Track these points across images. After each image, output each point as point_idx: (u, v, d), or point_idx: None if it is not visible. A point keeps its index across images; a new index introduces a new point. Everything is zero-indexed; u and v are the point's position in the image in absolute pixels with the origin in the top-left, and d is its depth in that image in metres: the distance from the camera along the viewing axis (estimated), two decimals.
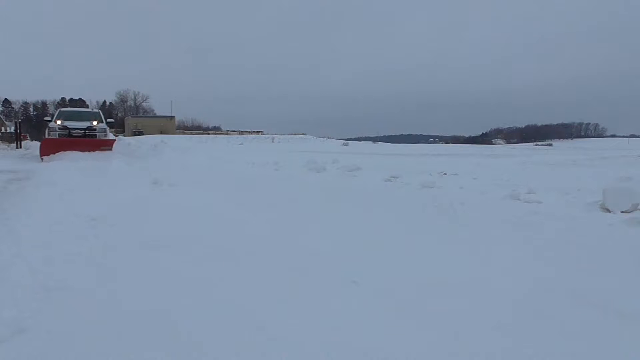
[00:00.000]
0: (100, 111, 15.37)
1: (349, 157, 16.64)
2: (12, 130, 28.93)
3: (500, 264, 3.02)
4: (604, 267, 3.02)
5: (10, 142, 21.89)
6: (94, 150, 11.92)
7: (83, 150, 11.86)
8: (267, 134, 71.25)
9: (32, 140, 22.98)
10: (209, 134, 67.24)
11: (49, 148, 12.06)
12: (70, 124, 13.23)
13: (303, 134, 70.98)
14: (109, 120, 14.94)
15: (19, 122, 23.86)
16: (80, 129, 13.16)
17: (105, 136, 13.40)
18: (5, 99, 78.46)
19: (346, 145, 45.68)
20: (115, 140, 12.96)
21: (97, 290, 2.31)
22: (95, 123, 13.54)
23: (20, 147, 18.20)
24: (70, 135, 13.02)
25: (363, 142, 65.50)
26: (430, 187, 7.39)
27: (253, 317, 2.05)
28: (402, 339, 1.89)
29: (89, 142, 12.43)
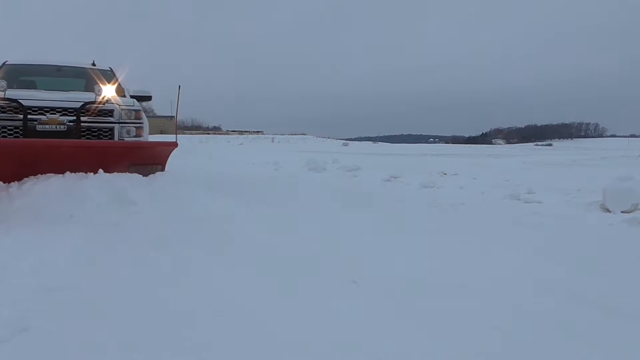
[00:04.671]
0: (112, 69, 6.30)
1: (349, 157, 16.63)
2: None
3: (499, 264, 3.02)
4: (604, 267, 3.02)
5: None
6: (109, 172, 4.20)
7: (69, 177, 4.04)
8: (267, 134, 71.29)
9: None
10: (209, 133, 67.25)
11: None
12: (31, 96, 4.57)
13: (303, 134, 71.00)
14: (138, 92, 5.86)
15: None
16: (65, 111, 4.58)
17: (137, 133, 4.99)
18: None
19: (346, 145, 45.66)
20: (174, 146, 4.71)
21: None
22: (105, 94, 4.82)
23: None
24: (28, 130, 4.38)
25: (363, 142, 65.50)
26: (430, 187, 7.39)
27: (253, 317, 2.04)
28: (403, 339, 1.89)
29: (88, 148, 4.31)
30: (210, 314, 2.06)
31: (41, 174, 4.05)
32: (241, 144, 40.58)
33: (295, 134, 69.79)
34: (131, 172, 4.41)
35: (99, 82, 5.31)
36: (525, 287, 2.55)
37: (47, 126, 4.51)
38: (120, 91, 5.28)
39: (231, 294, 2.32)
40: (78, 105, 4.63)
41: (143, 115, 5.22)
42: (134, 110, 5.06)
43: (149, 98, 6.05)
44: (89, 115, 4.71)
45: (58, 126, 4.56)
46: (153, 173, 4.66)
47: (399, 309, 2.20)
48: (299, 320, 2.03)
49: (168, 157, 4.84)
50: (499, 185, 7.61)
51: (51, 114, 4.53)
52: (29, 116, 4.41)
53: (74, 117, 4.60)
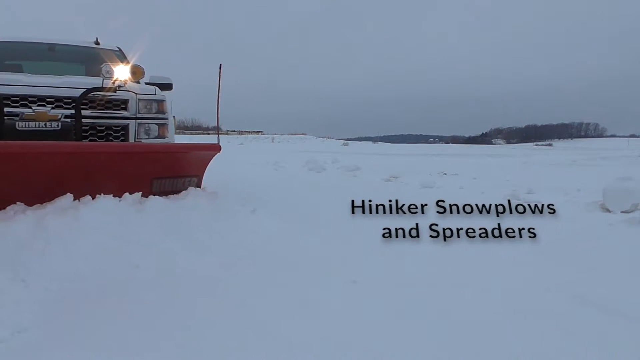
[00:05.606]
0: (121, 50, 5.01)
1: (348, 157, 16.63)
2: None
3: (499, 263, 3.02)
4: (604, 267, 3.01)
5: None
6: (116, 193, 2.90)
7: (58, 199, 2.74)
8: (267, 134, 71.40)
9: None
10: (209, 133, 67.24)
11: None
12: (10, 80, 3.30)
13: (303, 134, 71.08)
14: (155, 79, 4.41)
15: None
16: (59, 101, 3.33)
17: (160, 133, 3.71)
18: None
19: (346, 145, 45.69)
20: (215, 150, 3.46)
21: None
22: (115, 78, 3.42)
23: None
24: (4, 128, 3.13)
25: (363, 142, 65.58)
26: (430, 187, 7.38)
27: (253, 315, 2.04)
28: (403, 339, 1.88)
29: (94, 155, 2.96)
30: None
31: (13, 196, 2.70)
32: (241, 144, 40.60)
33: (295, 134, 69.91)
34: (155, 190, 3.17)
35: (101, 60, 4.11)
36: (525, 287, 2.55)
37: (32, 123, 3.21)
38: (139, 73, 3.65)
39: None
40: (78, 93, 3.33)
41: (167, 108, 3.89)
42: (156, 100, 3.71)
43: (169, 87, 4.56)
44: (94, 108, 3.45)
45: (49, 123, 3.27)
46: (185, 189, 3.42)
47: (399, 308, 2.20)
48: None
49: (206, 166, 3.60)
50: (499, 185, 7.60)
51: (39, 105, 3.25)
52: (6, 109, 3.17)
53: (73, 111, 3.32)
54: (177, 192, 3.39)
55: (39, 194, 2.77)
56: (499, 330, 1.98)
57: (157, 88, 3.90)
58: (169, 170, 3.35)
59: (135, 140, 3.60)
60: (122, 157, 3.13)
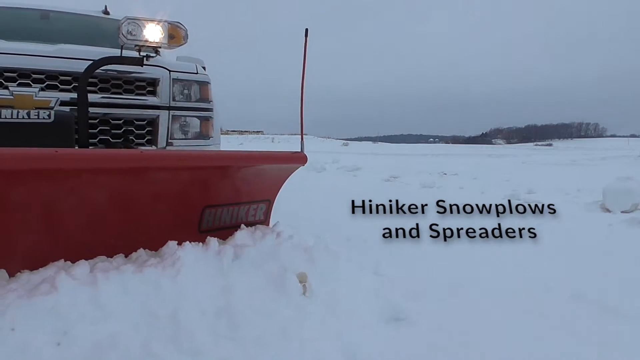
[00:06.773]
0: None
1: (348, 157, 16.67)
2: None
3: (499, 263, 3.02)
4: (604, 267, 3.02)
5: None
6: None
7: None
8: (267, 134, 71.51)
9: None
10: None
11: None
12: None
13: None
14: (183, 59, 2.88)
15: None
16: (52, 79, 2.19)
17: (202, 131, 2.54)
18: None
19: (346, 145, 45.74)
20: (300, 162, 2.37)
21: None
22: (144, 39, 2.14)
23: None
24: None
25: (363, 142, 65.67)
26: (430, 187, 7.40)
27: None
28: (403, 339, 1.89)
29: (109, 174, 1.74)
30: None
31: None
32: (241, 144, 40.64)
33: (295, 134, 70.02)
34: (206, 227, 2.17)
35: (110, 25, 3.11)
36: (525, 286, 2.56)
37: (7, 112, 2.06)
38: (179, 36, 2.31)
39: None
40: (82, 66, 2.19)
41: (209, 91, 2.65)
42: (198, 82, 2.58)
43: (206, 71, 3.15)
44: (107, 91, 2.35)
45: (35, 113, 2.10)
46: (250, 221, 2.39)
47: (398, 307, 2.20)
48: None
49: (281, 186, 2.56)
50: (499, 185, 7.61)
51: (20, 84, 2.18)
52: None
53: (73, 94, 2.22)
54: (237, 226, 2.25)
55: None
56: (500, 330, 1.99)
57: (197, 65, 2.71)
58: (230, 193, 2.23)
59: (167, 141, 2.50)
60: (165, 175, 1.95)
